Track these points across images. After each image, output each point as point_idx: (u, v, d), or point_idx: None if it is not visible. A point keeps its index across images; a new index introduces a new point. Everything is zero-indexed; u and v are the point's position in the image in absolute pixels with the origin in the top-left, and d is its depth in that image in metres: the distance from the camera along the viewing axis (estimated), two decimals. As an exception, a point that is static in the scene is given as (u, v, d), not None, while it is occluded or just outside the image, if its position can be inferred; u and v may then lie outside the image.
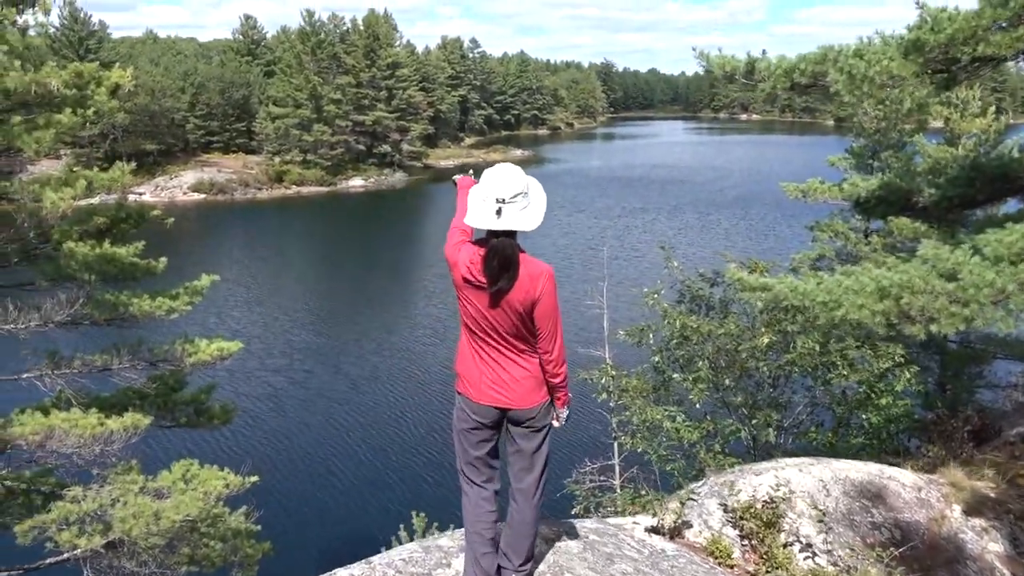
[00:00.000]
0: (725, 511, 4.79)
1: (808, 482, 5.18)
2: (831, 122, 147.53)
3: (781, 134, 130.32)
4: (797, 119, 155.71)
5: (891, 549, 4.20)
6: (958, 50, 6.99)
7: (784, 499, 4.68)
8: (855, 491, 5.22)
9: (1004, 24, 6.75)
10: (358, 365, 25.73)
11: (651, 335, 9.92)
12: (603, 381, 10.43)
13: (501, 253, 3.06)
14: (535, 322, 3.16)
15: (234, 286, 34.61)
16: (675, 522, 4.46)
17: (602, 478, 11.69)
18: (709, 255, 38.08)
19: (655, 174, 75.18)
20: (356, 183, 71.71)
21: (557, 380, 3.32)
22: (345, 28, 78.45)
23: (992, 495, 5.74)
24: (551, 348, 3.22)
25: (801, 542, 4.51)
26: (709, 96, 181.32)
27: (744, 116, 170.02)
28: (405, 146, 77.41)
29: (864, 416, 10.00)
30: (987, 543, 5.12)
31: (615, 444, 11.86)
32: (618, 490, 11.60)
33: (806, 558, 4.39)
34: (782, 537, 4.51)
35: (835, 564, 4.39)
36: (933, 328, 7.31)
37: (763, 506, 4.68)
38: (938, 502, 5.38)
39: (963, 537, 5.09)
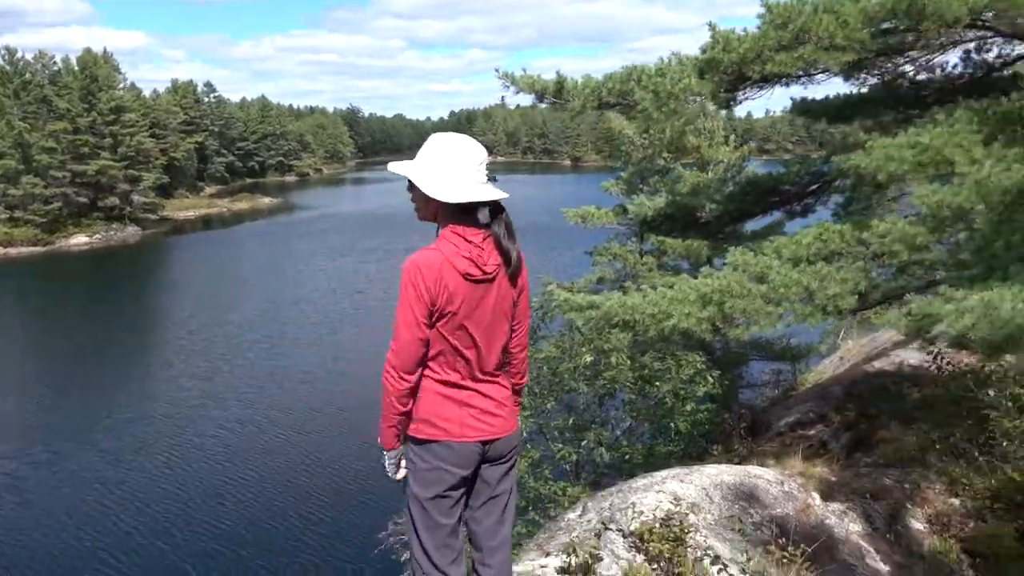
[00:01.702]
0: (625, 536, 4.46)
1: (692, 491, 5.03)
2: (568, 162, 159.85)
3: (525, 173, 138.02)
4: (538, 160, 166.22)
5: (802, 547, 4.11)
6: (749, 68, 7.50)
7: (685, 513, 4.45)
8: (732, 495, 5.17)
9: (786, 44, 7.35)
10: (115, 438, 22.36)
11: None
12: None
13: (511, 225, 2.63)
14: (517, 314, 2.68)
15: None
16: (587, 559, 4.03)
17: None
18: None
19: (413, 215, 75.61)
20: (80, 240, 63.82)
21: (524, 381, 2.85)
22: (56, 68, 70.30)
23: (834, 479, 6.01)
24: (525, 339, 2.78)
25: (709, 555, 4.28)
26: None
27: (489, 158, 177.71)
28: (136, 197, 70.49)
29: (672, 424, 10.36)
30: (848, 524, 5.30)
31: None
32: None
33: (720, 571, 4.16)
34: (690, 553, 4.27)
35: (746, 572, 4.22)
36: (754, 329, 7.71)
37: (662, 524, 4.42)
38: (799, 492, 5.50)
39: (829, 523, 5.21)
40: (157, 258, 60.19)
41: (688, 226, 10.88)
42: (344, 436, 22.16)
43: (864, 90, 9.92)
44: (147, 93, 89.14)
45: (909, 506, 5.57)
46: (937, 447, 7.81)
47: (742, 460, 9.18)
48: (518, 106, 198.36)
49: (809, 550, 4.08)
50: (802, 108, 10.55)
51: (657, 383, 9.44)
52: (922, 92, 9.40)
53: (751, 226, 12.95)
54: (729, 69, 7.67)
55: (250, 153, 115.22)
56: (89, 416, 24.38)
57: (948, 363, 11.53)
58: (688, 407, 10.14)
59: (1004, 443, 6.78)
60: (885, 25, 7.80)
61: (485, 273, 2.52)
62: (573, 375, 9.06)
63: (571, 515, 5.27)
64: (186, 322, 36.56)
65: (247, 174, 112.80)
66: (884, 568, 4.85)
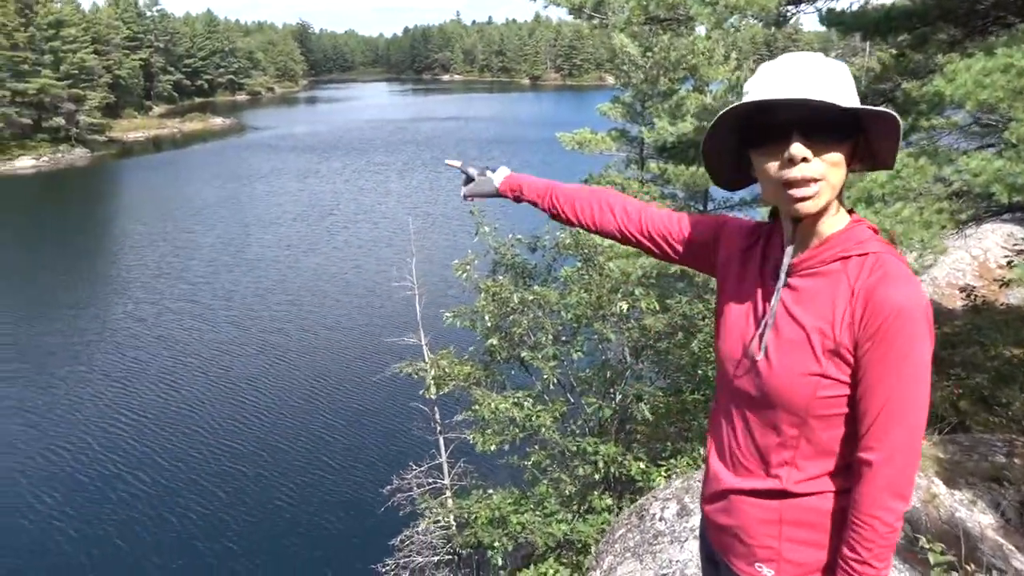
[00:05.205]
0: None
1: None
2: (527, 81, 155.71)
3: (483, 92, 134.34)
4: (496, 79, 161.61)
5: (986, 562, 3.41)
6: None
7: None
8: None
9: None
10: (104, 363, 21.09)
11: (487, 315, 8.61)
12: (433, 373, 8.99)
13: None
14: None
15: None
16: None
17: (429, 480, 10.37)
18: (449, 212, 37.57)
19: (373, 135, 72.87)
20: (25, 164, 60.33)
21: None
22: (-16, -22, 64.94)
23: (942, 455, 5.33)
24: None
25: None
26: (411, 57, 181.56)
27: (446, 76, 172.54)
28: (82, 118, 66.62)
29: (701, 371, 9.64)
30: (978, 516, 4.64)
31: (441, 440, 10.55)
32: (448, 491, 10.37)
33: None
34: None
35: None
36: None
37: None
38: (920, 477, 4.79)
39: (960, 516, 4.54)
40: (111, 181, 57.30)
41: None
42: (343, 360, 21.62)
43: (907, 2, 8.95)
44: (86, 6, 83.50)
45: (1033, 488, 4.92)
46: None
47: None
48: (474, 22, 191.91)
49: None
50: (834, 19, 9.54)
51: (692, 332, 8.66)
52: (977, 6, 8.47)
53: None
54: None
55: (198, 71, 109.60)
56: (73, 336, 23.22)
57: (982, 300, 11.01)
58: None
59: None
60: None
61: None
62: (603, 324, 8.23)
63: (663, 511, 4.50)
64: (156, 245, 34.98)
65: (196, 93, 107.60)
66: (1034, 571, 4.20)
